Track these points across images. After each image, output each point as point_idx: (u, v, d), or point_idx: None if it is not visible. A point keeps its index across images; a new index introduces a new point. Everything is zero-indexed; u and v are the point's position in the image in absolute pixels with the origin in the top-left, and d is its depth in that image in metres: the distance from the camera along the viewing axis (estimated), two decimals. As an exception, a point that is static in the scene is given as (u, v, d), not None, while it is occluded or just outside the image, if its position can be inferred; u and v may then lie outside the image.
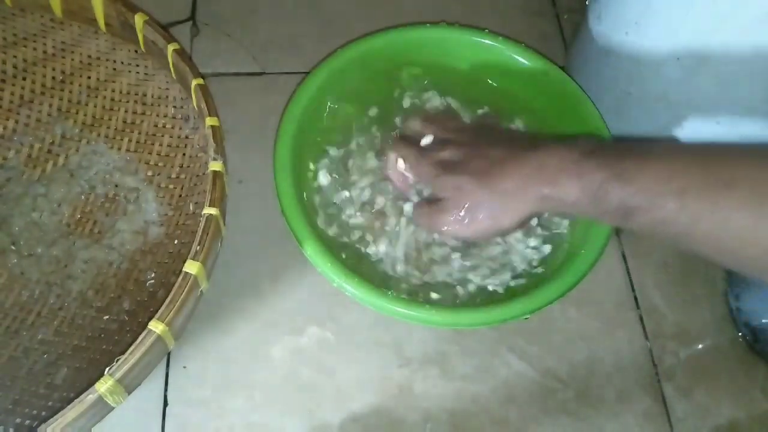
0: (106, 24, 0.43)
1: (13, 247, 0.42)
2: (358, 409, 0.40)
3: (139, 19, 0.40)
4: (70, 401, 0.29)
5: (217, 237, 0.34)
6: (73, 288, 0.41)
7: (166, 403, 0.39)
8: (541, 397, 0.41)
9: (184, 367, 0.40)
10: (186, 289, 0.31)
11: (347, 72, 0.46)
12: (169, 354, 0.41)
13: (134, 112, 0.46)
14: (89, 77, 0.46)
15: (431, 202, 0.39)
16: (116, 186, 0.45)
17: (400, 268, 0.40)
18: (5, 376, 0.37)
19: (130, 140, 0.46)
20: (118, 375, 0.29)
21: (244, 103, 0.50)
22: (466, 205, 0.36)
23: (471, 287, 0.40)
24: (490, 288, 0.40)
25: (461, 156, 0.38)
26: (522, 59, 0.47)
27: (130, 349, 0.30)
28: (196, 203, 0.42)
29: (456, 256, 0.41)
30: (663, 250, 0.46)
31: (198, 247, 0.33)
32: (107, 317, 0.40)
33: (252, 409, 0.39)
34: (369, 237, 0.42)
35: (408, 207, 0.41)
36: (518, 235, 0.41)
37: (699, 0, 0.36)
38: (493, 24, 0.50)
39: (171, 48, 0.39)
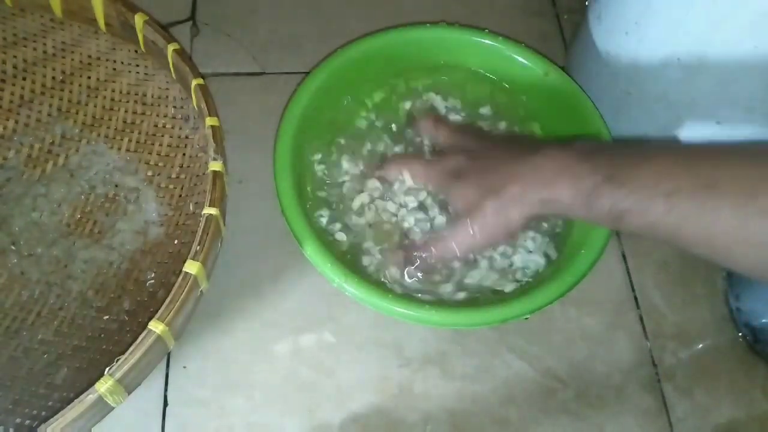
0: (106, 24, 0.43)
1: (13, 247, 0.42)
2: (358, 409, 0.40)
3: (139, 19, 0.40)
4: (70, 401, 0.28)
5: (217, 237, 0.34)
6: (73, 288, 0.41)
7: (166, 403, 0.39)
8: (541, 397, 0.41)
9: (184, 367, 0.40)
10: (186, 289, 0.31)
11: (347, 72, 0.46)
12: (169, 354, 0.41)
13: (134, 112, 0.46)
14: (89, 77, 0.46)
15: (431, 240, 0.39)
16: (116, 186, 0.45)
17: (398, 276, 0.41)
18: (5, 376, 0.37)
19: (130, 140, 0.46)
20: (118, 375, 0.29)
21: (244, 103, 0.50)
22: (475, 218, 0.37)
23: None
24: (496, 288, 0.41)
25: (465, 164, 0.39)
26: (522, 59, 0.47)
27: (130, 349, 0.30)
28: (196, 203, 0.42)
29: (458, 264, 0.41)
30: (663, 250, 0.46)
31: (198, 247, 0.33)
32: (107, 317, 0.40)
33: (252, 409, 0.39)
34: (369, 238, 0.42)
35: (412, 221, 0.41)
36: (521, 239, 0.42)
37: (699, 0, 0.36)
38: (493, 24, 0.50)
39: (171, 48, 0.39)
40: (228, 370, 0.40)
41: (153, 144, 0.46)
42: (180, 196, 0.44)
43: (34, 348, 0.39)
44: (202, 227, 0.33)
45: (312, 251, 0.38)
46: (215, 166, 0.35)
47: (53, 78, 0.46)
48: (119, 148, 0.46)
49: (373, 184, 0.42)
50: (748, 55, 0.36)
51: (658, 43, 0.40)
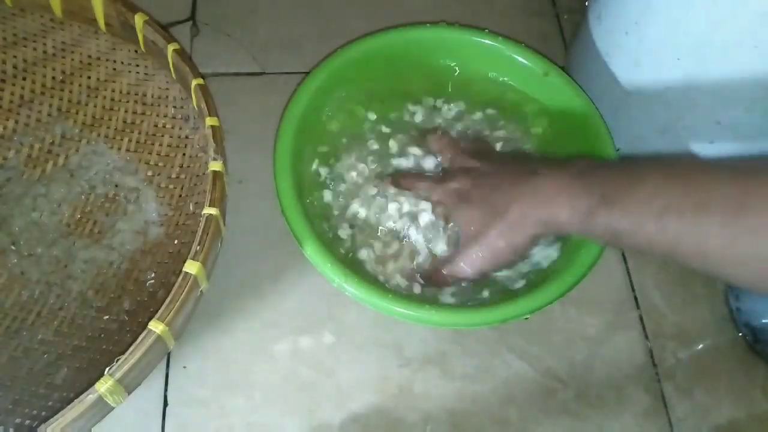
0: (106, 24, 0.43)
1: (13, 247, 0.42)
2: (358, 409, 0.40)
3: (139, 19, 0.40)
4: (70, 401, 0.29)
5: (217, 237, 0.34)
6: (73, 288, 0.41)
7: (166, 403, 0.39)
8: (541, 397, 0.41)
9: (184, 367, 0.40)
10: (186, 289, 0.31)
11: (347, 72, 0.46)
12: (169, 354, 0.41)
13: (134, 112, 0.46)
14: (89, 77, 0.46)
15: (440, 263, 0.40)
16: (116, 186, 0.45)
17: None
18: (5, 376, 0.37)
19: (130, 140, 0.46)
20: (118, 375, 0.29)
21: (244, 103, 0.50)
22: (482, 243, 0.38)
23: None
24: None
25: (470, 185, 0.39)
26: (522, 59, 0.47)
27: (130, 349, 0.30)
28: (196, 203, 0.42)
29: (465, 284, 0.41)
30: (663, 250, 0.46)
31: (198, 247, 0.33)
32: (107, 317, 0.40)
33: (252, 409, 0.39)
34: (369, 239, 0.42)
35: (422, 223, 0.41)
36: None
37: (699, 0, 0.36)
38: (493, 24, 0.50)
39: (171, 48, 0.39)
40: (228, 370, 0.40)
41: (153, 144, 0.46)
42: (180, 196, 0.44)
43: (34, 348, 0.39)
44: (202, 227, 0.33)
45: (312, 251, 0.38)
46: (215, 166, 0.35)
47: (53, 78, 0.46)
48: (119, 148, 0.46)
49: (373, 191, 0.43)
50: (748, 55, 0.36)
51: (658, 43, 0.40)
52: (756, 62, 0.36)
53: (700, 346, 0.43)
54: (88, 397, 0.29)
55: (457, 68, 0.49)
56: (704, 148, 0.43)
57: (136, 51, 0.44)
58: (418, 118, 0.47)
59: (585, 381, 0.42)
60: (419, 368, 0.41)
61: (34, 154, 0.45)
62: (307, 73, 0.45)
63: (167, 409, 0.39)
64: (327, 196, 0.43)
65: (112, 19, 0.42)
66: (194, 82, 0.38)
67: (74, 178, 0.45)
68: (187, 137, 0.45)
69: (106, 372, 0.29)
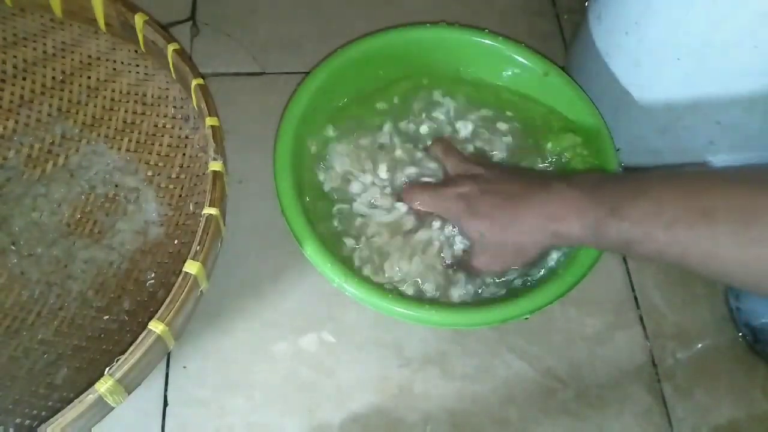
0: (106, 24, 0.43)
1: (13, 247, 0.42)
2: (358, 409, 0.40)
3: (139, 19, 0.40)
4: (70, 401, 0.29)
5: (217, 237, 0.34)
6: (73, 288, 0.41)
7: (166, 403, 0.39)
8: (541, 397, 0.41)
9: (184, 367, 0.40)
10: (186, 289, 0.31)
11: (347, 72, 0.46)
12: (169, 354, 0.41)
13: (134, 112, 0.46)
14: (89, 77, 0.46)
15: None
16: (116, 186, 0.45)
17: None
18: (5, 376, 0.37)
19: (130, 140, 0.46)
20: (118, 375, 0.29)
21: (244, 103, 0.50)
22: (492, 253, 0.39)
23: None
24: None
25: (474, 190, 0.39)
26: (522, 59, 0.47)
27: (130, 349, 0.30)
28: (196, 203, 0.42)
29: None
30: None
31: (198, 247, 0.33)
32: (107, 317, 0.40)
33: (252, 409, 0.39)
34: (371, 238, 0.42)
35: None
36: None
37: (699, 0, 0.36)
38: (493, 24, 0.50)
39: (171, 48, 0.39)
40: (228, 370, 0.40)
41: (153, 144, 0.46)
42: (180, 196, 0.44)
43: (34, 348, 0.39)
44: (202, 227, 0.33)
45: (312, 251, 0.38)
46: (215, 166, 0.35)
47: (53, 78, 0.46)
48: (119, 148, 0.46)
49: (372, 194, 0.43)
50: (748, 55, 0.36)
51: (658, 43, 0.40)
52: (756, 62, 0.36)
53: (700, 346, 0.43)
54: (88, 397, 0.29)
55: (455, 68, 0.49)
56: (704, 148, 0.43)
57: (136, 51, 0.44)
58: (418, 117, 0.47)
59: (585, 381, 0.42)
60: (419, 368, 0.41)
61: (34, 154, 0.45)
62: (307, 73, 0.45)
63: (167, 409, 0.39)
64: (328, 195, 0.43)
65: (112, 19, 0.42)
66: (194, 82, 0.38)
67: (74, 178, 0.45)
68: (187, 137, 0.45)
69: (106, 372, 0.29)
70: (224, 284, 0.43)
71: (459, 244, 0.41)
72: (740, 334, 0.44)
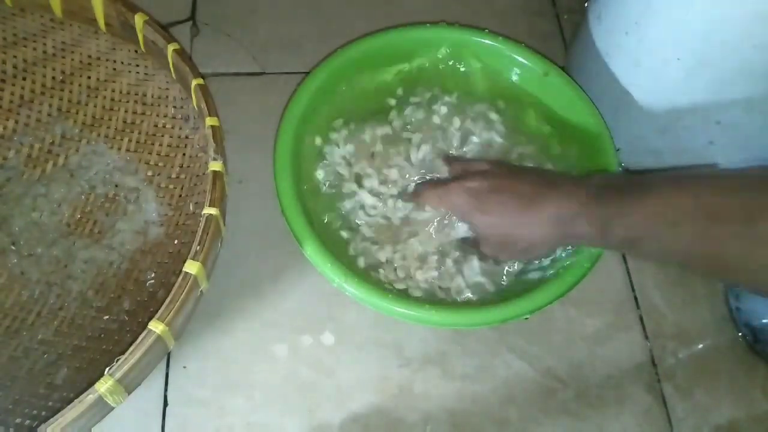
0: (106, 24, 0.43)
1: (13, 247, 0.42)
2: (358, 409, 0.40)
3: (139, 19, 0.40)
4: (70, 401, 0.29)
5: (217, 237, 0.34)
6: (73, 288, 0.41)
7: (166, 403, 0.39)
8: (541, 397, 0.41)
9: (184, 367, 0.40)
10: (186, 289, 0.31)
11: (347, 72, 0.46)
12: (169, 354, 0.41)
13: (134, 112, 0.46)
14: (89, 77, 0.46)
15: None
16: (116, 186, 0.45)
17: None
18: (5, 376, 0.37)
19: (130, 140, 0.46)
20: (118, 375, 0.29)
21: (244, 103, 0.50)
22: (503, 251, 0.40)
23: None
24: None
25: (485, 186, 0.39)
26: (522, 59, 0.47)
27: (130, 349, 0.30)
28: (196, 203, 0.42)
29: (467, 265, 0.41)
30: (663, 250, 0.46)
31: (198, 247, 0.33)
32: (107, 317, 0.40)
33: (252, 409, 0.39)
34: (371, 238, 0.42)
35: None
36: None
37: (699, 0, 0.36)
38: (493, 24, 0.50)
39: (171, 48, 0.39)
40: (228, 370, 0.40)
41: (153, 144, 0.46)
42: (180, 196, 0.44)
43: (34, 348, 0.39)
44: (202, 227, 0.33)
45: (312, 251, 0.38)
46: (215, 166, 0.35)
47: (53, 78, 0.46)
48: (119, 148, 0.46)
49: (371, 197, 0.43)
50: (747, 55, 0.36)
51: (658, 43, 0.40)
52: (756, 62, 0.36)
53: (700, 346, 0.43)
54: (88, 397, 0.29)
55: (455, 68, 0.49)
56: (704, 148, 0.43)
57: (136, 51, 0.44)
58: (419, 116, 0.47)
59: (585, 381, 0.42)
60: (419, 368, 0.41)
61: (34, 154, 0.45)
62: (307, 73, 0.45)
63: (167, 409, 0.39)
64: (327, 195, 0.43)
65: (112, 19, 0.42)
66: (194, 82, 0.38)
67: (74, 178, 0.45)
68: (187, 137, 0.45)
69: (106, 372, 0.29)
70: (224, 284, 0.43)
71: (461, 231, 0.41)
72: (740, 334, 0.44)
